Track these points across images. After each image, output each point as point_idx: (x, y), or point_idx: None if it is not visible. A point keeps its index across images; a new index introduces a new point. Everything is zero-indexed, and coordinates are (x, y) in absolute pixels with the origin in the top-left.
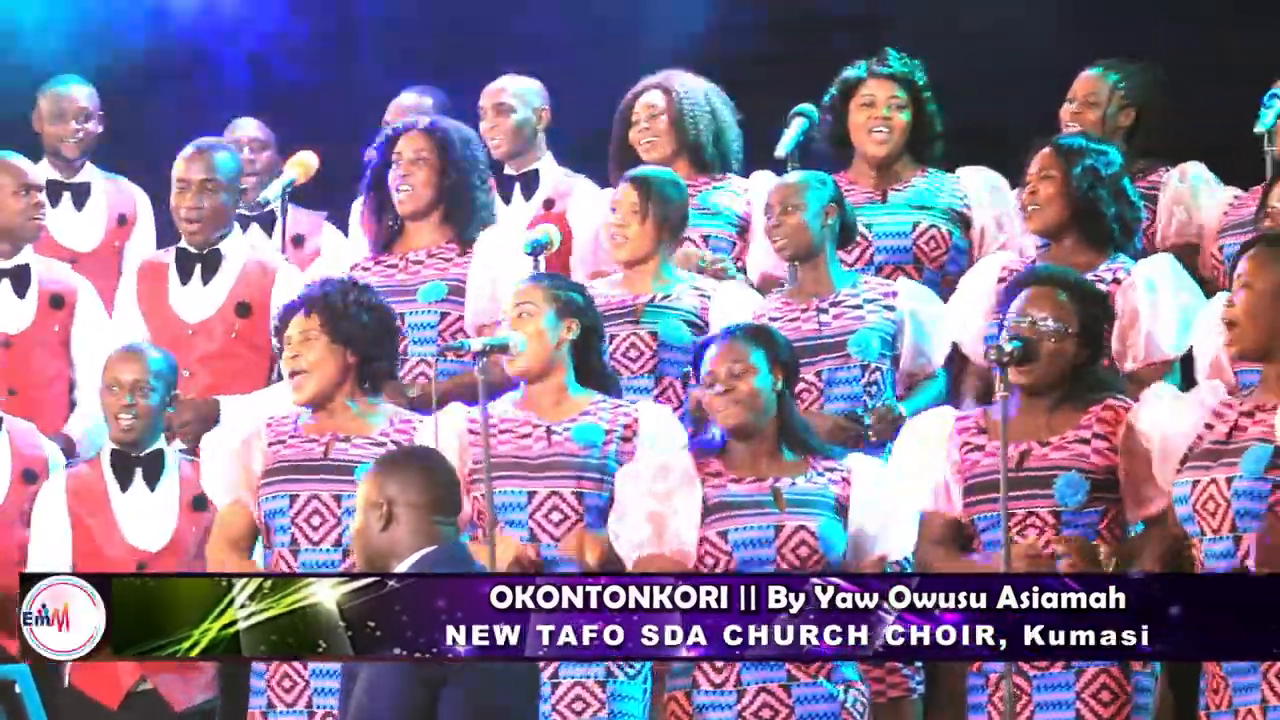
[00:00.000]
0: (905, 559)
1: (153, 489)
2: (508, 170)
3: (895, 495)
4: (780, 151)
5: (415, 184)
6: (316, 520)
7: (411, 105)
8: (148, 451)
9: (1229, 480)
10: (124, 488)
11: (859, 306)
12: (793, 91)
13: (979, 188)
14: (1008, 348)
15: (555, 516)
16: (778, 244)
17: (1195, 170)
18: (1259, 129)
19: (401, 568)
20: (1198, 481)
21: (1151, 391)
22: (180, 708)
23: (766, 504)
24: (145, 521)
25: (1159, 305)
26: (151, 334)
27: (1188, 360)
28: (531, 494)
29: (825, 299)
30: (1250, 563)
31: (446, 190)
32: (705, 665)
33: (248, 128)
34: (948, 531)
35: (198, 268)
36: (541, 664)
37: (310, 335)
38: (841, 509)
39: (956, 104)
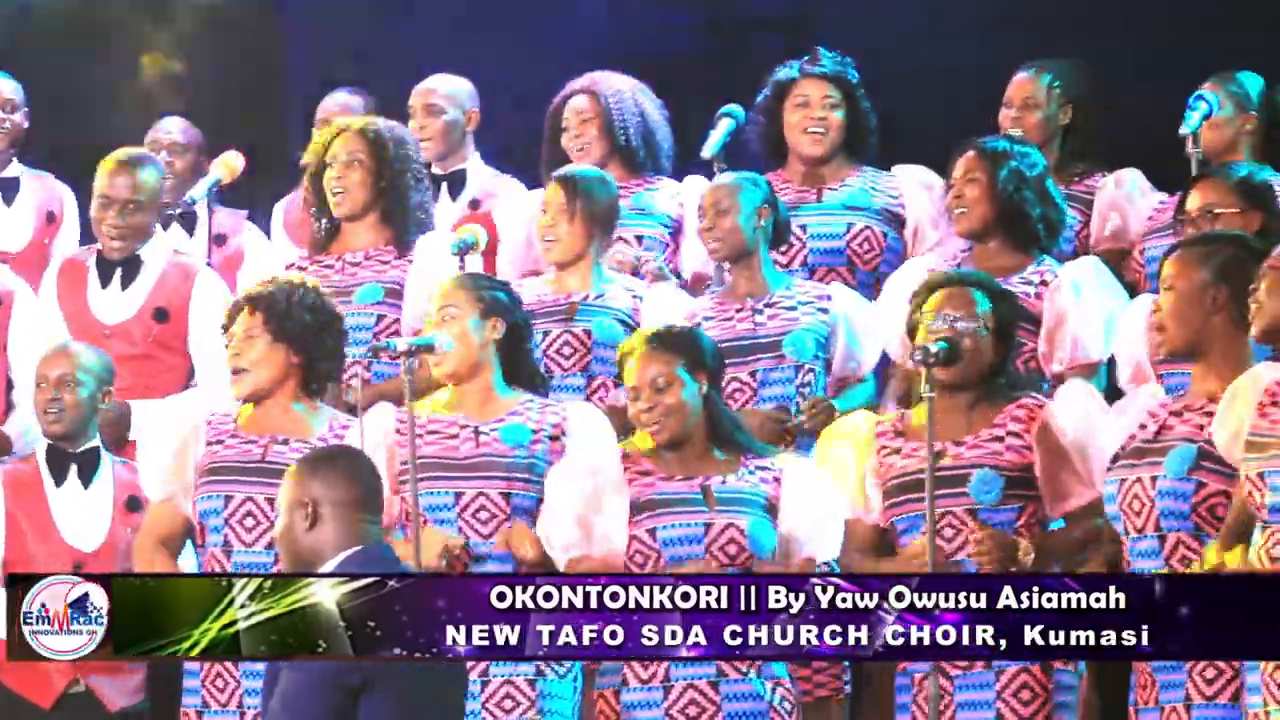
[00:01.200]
0: (831, 562)
1: (87, 486)
2: (435, 170)
3: (825, 497)
4: (707, 153)
5: (350, 185)
6: (250, 522)
7: (340, 105)
8: (83, 449)
9: (1154, 479)
10: (58, 483)
11: (793, 308)
12: (719, 92)
13: (913, 187)
14: (933, 349)
15: (483, 516)
16: (710, 246)
17: (1131, 176)
18: (1184, 131)
19: (326, 568)
20: (1124, 480)
21: (1065, 388)
22: (114, 708)
23: (696, 502)
24: (81, 520)
25: (1085, 308)
26: (70, 334)
27: (1112, 363)
28: (459, 495)
29: (760, 299)
30: (1176, 563)
31: (382, 191)
32: (634, 662)
33: (170, 129)
34: (871, 539)
35: (117, 272)
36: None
37: (253, 333)
38: (772, 508)
39: (885, 103)
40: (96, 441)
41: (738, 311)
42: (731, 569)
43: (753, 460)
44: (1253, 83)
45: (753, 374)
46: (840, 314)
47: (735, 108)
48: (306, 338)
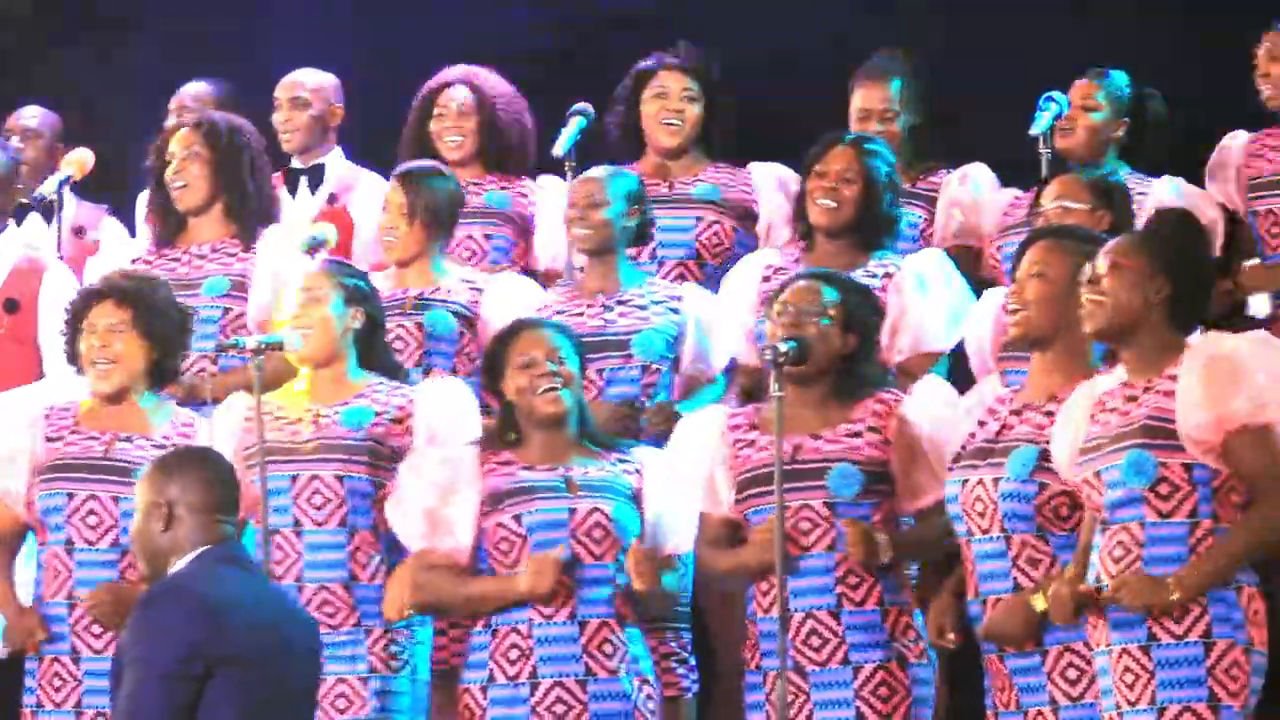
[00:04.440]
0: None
1: None
2: (295, 164)
3: (683, 489)
4: (558, 151)
5: (190, 178)
6: (93, 520)
7: (195, 95)
8: None
9: (996, 481)
10: None
11: (644, 307)
12: (570, 90)
13: (768, 184)
14: (783, 347)
15: (317, 500)
16: (578, 234)
17: (976, 173)
18: (1034, 131)
19: (180, 564)
20: (966, 480)
21: (922, 385)
22: None
23: (559, 488)
24: None
25: (929, 299)
26: None
27: (959, 355)
28: (294, 477)
29: (612, 296)
30: (1023, 564)
31: (222, 182)
32: (500, 658)
33: (24, 116)
34: (722, 532)
35: None
36: None
37: (120, 327)
38: (636, 498)
39: (741, 100)
40: None
41: (589, 307)
42: (600, 556)
43: (613, 454)
44: (1125, 82)
45: (599, 372)
46: (691, 314)
47: (586, 105)
48: (168, 334)
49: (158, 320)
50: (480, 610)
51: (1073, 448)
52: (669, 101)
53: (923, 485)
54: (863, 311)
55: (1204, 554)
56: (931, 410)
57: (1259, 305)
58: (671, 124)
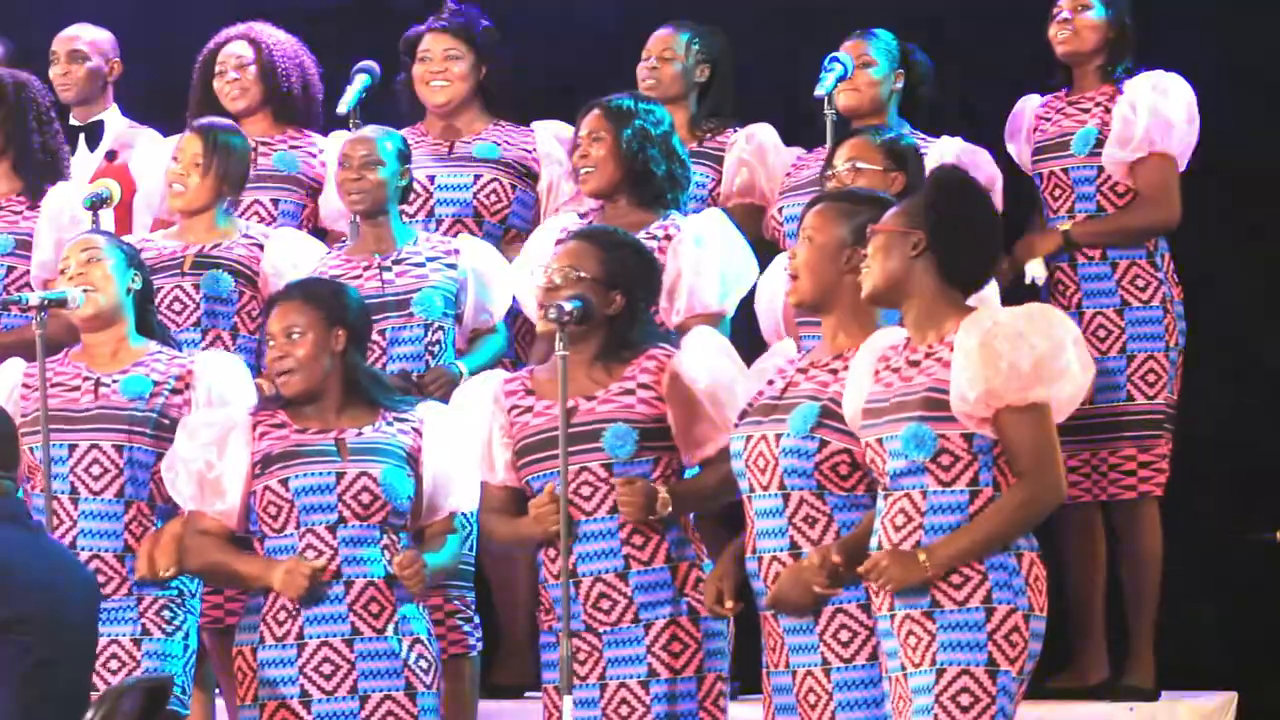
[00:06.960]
0: (470, 515)
1: None
2: (74, 120)
3: (465, 446)
4: (342, 108)
5: None
6: None
7: None
8: None
9: (778, 437)
10: None
11: (422, 265)
12: (355, 48)
13: (548, 142)
14: (568, 307)
15: (95, 470)
16: (353, 198)
17: (763, 132)
18: (819, 93)
19: None
20: (750, 437)
21: (691, 336)
22: None
23: (329, 453)
24: None
25: (703, 260)
26: None
27: (750, 320)
28: (73, 447)
29: (388, 256)
30: (799, 522)
31: (9, 136)
32: (270, 619)
33: None
34: (504, 500)
35: None
36: None
37: None
38: (412, 459)
39: (529, 59)
40: None
41: (366, 269)
42: (367, 519)
43: (391, 414)
44: (891, 37)
45: (381, 333)
46: (469, 268)
47: (370, 64)
48: None
49: None
50: (240, 586)
51: (857, 404)
52: (432, 64)
53: (702, 436)
54: (628, 269)
55: (962, 529)
56: (704, 360)
57: (1033, 269)
58: (436, 84)
